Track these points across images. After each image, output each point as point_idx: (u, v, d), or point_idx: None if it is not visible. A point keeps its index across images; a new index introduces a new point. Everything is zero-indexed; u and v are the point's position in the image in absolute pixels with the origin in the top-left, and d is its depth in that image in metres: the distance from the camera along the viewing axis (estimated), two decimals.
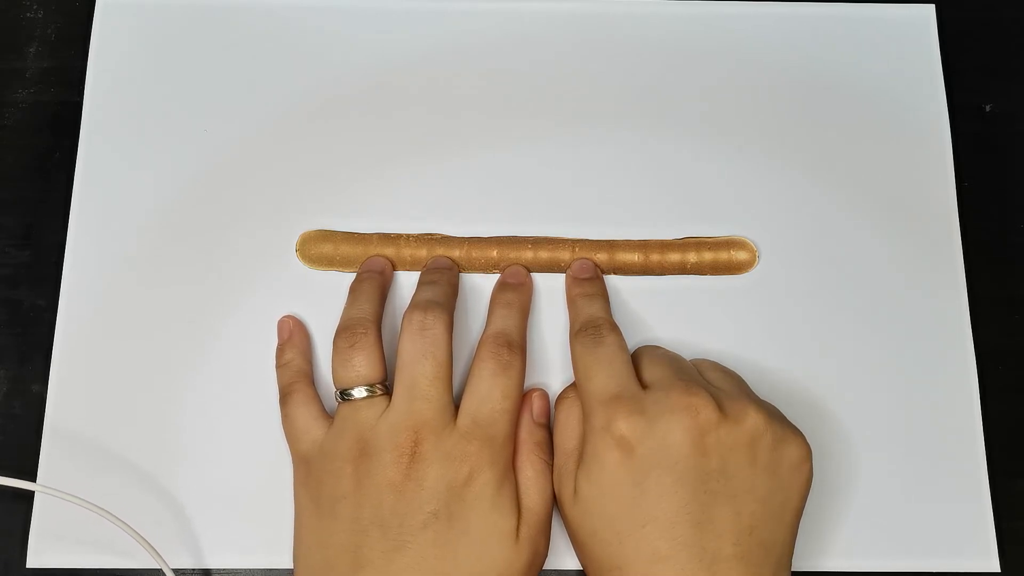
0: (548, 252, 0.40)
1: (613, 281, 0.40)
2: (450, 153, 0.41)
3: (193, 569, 0.37)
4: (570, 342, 0.37)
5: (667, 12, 0.43)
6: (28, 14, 0.43)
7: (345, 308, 0.37)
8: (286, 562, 0.37)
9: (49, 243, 0.40)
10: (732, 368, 0.38)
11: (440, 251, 0.40)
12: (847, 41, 0.43)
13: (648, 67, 0.42)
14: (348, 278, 0.40)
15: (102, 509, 0.34)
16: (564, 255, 0.40)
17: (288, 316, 0.39)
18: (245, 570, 0.37)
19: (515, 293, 0.38)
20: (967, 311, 0.40)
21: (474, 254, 0.40)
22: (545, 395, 0.37)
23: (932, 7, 0.43)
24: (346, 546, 0.33)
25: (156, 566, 0.37)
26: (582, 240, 0.40)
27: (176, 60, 0.42)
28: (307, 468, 0.35)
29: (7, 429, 0.39)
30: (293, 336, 0.38)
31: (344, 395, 0.35)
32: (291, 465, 0.37)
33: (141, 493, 0.37)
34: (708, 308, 0.40)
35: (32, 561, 0.37)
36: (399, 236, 0.40)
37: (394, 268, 0.40)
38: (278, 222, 0.40)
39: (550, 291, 0.40)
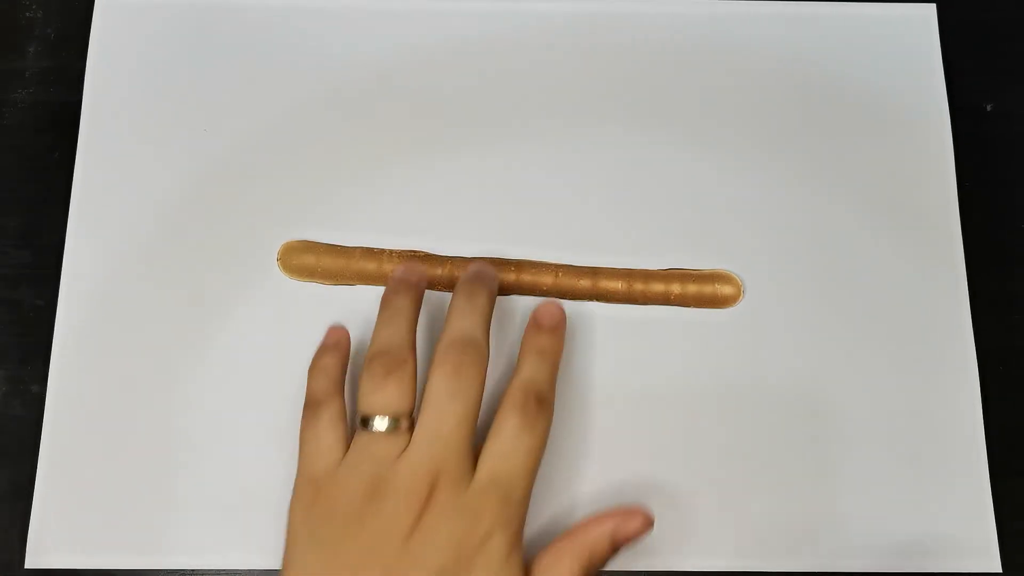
0: (531, 276, 0.39)
1: (595, 308, 0.40)
2: (437, 172, 0.41)
3: (193, 570, 0.37)
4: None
5: (663, 11, 0.43)
6: (28, 14, 0.43)
7: (381, 326, 0.35)
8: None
9: (49, 243, 0.40)
10: (716, 399, 0.38)
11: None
12: (847, 41, 0.43)
13: (643, 74, 0.42)
14: (329, 290, 0.39)
15: None
16: (547, 279, 0.39)
17: (340, 327, 0.38)
18: (244, 571, 0.37)
19: (550, 338, 0.36)
20: (968, 311, 0.40)
21: (457, 273, 0.39)
22: (646, 526, 0.33)
23: (933, 6, 0.43)
24: None
25: (155, 566, 0.37)
26: (565, 266, 0.40)
27: (174, 60, 0.42)
28: (315, 492, 0.33)
29: (7, 429, 0.39)
30: (340, 344, 0.37)
31: (365, 422, 0.33)
32: (285, 466, 0.36)
33: (141, 493, 0.37)
34: (690, 340, 0.39)
35: (31, 561, 0.37)
36: (382, 252, 0.40)
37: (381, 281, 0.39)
38: (270, 226, 0.40)
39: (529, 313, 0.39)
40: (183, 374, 0.39)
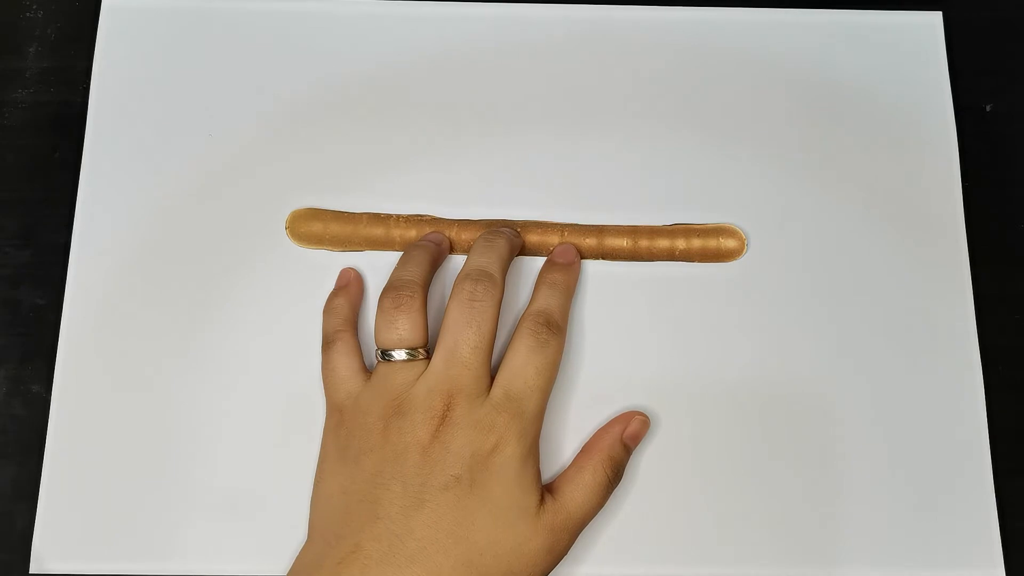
0: (537, 236, 0.40)
1: (601, 266, 0.40)
2: (443, 139, 0.41)
3: None
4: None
5: (674, 17, 0.43)
6: (28, 14, 0.43)
7: (395, 269, 0.38)
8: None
9: (49, 243, 0.40)
10: (718, 360, 0.39)
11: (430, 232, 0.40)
12: (854, 47, 0.43)
13: (653, 66, 0.42)
14: (338, 258, 0.40)
15: None
16: (553, 239, 0.40)
17: (350, 268, 0.40)
18: None
19: (562, 273, 0.39)
20: (972, 311, 0.40)
21: (464, 236, 0.40)
22: (646, 423, 0.38)
23: (939, 14, 0.43)
24: (366, 496, 0.33)
25: (160, 572, 0.37)
26: (571, 225, 0.40)
27: (180, 61, 0.42)
28: (340, 417, 0.36)
29: (7, 429, 0.39)
30: (350, 286, 0.39)
31: (385, 355, 0.35)
32: (295, 471, 0.37)
33: (146, 498, 0.37)
34: (695, 295, 0.40)
35: (35, 567, 0.37)
36: (389, 216, 0.40)
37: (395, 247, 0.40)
38: (277, 211, 0.40)
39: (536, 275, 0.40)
40: (191, 375, 0.39)
